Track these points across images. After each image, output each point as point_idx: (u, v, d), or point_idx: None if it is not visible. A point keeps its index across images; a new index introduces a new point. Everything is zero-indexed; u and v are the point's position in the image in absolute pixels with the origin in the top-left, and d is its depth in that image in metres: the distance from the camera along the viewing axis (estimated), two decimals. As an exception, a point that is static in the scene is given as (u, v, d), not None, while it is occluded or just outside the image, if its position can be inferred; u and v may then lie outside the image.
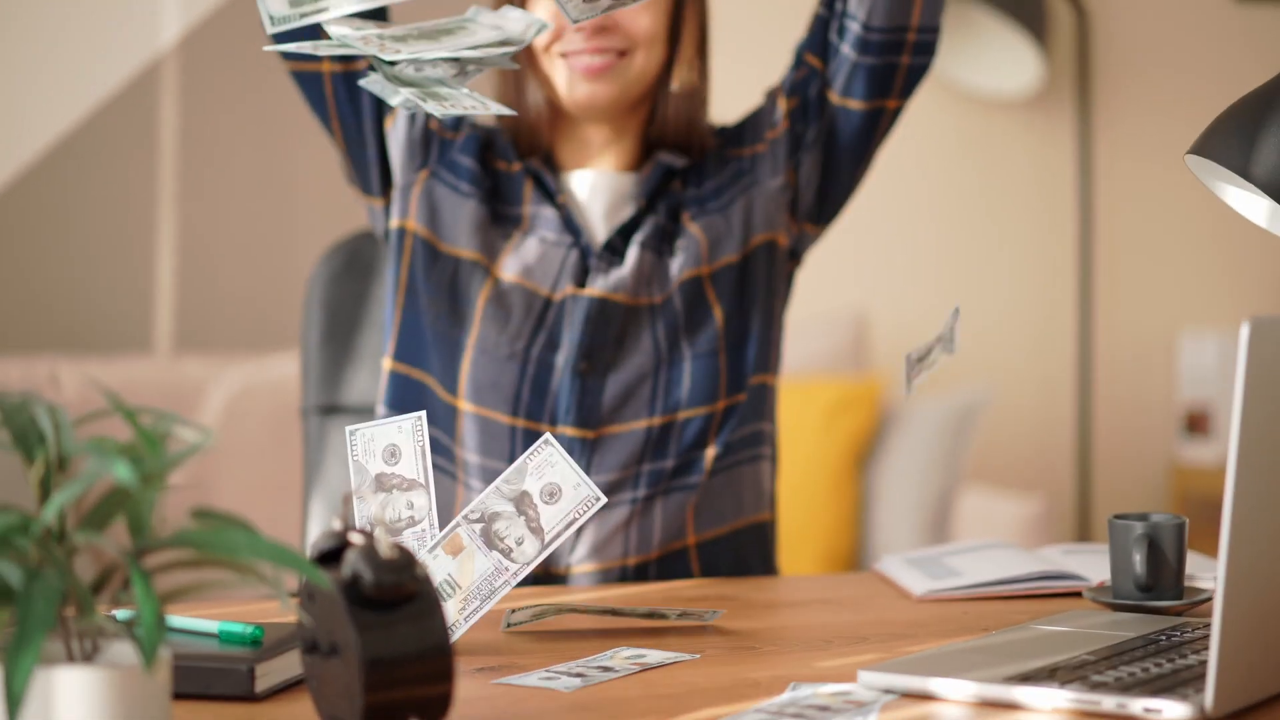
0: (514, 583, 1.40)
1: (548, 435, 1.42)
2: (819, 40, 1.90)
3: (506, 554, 1.40)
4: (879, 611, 1.60)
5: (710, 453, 1.85)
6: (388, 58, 1.43)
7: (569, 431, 1.82)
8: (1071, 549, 1.80)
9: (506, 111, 1.48)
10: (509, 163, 1.91)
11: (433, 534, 1.40)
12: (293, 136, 3.54)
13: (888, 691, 1.24)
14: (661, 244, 1.88)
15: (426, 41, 1.49)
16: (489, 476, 1.82)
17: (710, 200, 1.90)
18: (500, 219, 1.89)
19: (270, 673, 1.24)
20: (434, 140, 1.91)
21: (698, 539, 1.85)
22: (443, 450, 1.84)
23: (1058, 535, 3.78)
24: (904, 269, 3.97)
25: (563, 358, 1.84)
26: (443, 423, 1.85)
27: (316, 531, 2.06)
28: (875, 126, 1.90)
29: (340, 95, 1.87)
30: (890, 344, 3.90)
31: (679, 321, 1.86)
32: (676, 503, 1.84)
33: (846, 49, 1.87)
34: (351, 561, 1.08)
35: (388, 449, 1.40)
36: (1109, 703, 1.18)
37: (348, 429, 1.41)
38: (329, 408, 2.09)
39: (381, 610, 1.08)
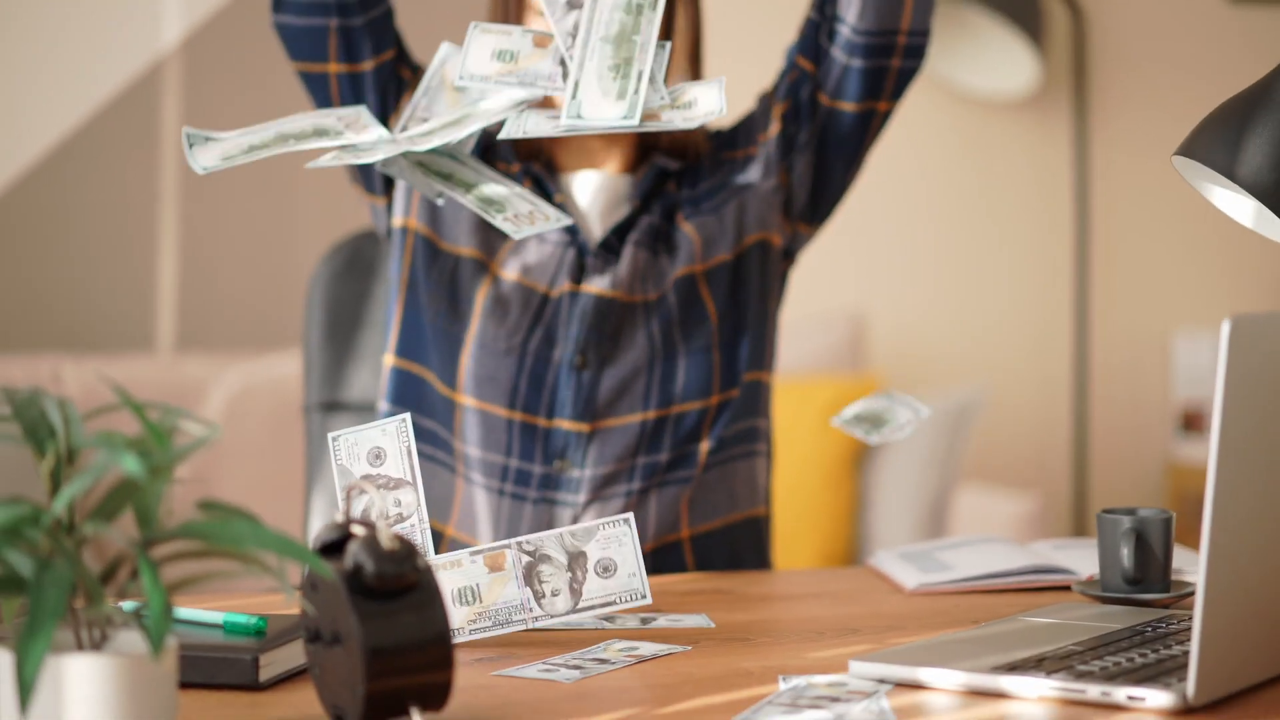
0: (530, 625, 1.41)
1: (630, 515, 1.42)
2: (810, 43, 1.92)
3: (538, 597, 1.41)
4: (871, 604, 1.61)
5: (704, 447, 1.88)
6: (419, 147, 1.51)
7: (566, 424, 1.85)
8: (1061, 544, 1.82)
9: (565, 220, 1.58)
10: (509, 164, 1.93)
11: (421, 530, 1.40)
12: (294, 137, 3.54)
13: (881, 681, 1.27)
14: (656, 243, 1.90)
15: (450, 129, 1.57)
16: (488, 469, 1.84)
17: (704, 201, 1.92)
18: (500, 219, 1.91)
19: (274, 662, 1.26)
20: (435, 141, 1.93)
21: (691, 532, 1.88)
22: (442, 444, 1.87)
23: (1054, 533, 3.80)
24: (901, 269, 3.98)
25: (560, 353, 1.86)
26: (442, 417, 1.87)
27: (318, 526, 2.08)
28: (867, 128, 1.93)
29: (345, 95, 1.89)
30: (888, 344, 3.91)
31: (674, 318, 1.88)
32: (671, 496, 1.86)
33: (837, 52, 1.89)
34: (353, 552, 1.10)
35: (372, 451, 1.40)
36: (1094, 691, 1.20)
37: (330, 435, 1.40)
38: (331, 405, 2.11)
39: (383, 600, 1.10)
